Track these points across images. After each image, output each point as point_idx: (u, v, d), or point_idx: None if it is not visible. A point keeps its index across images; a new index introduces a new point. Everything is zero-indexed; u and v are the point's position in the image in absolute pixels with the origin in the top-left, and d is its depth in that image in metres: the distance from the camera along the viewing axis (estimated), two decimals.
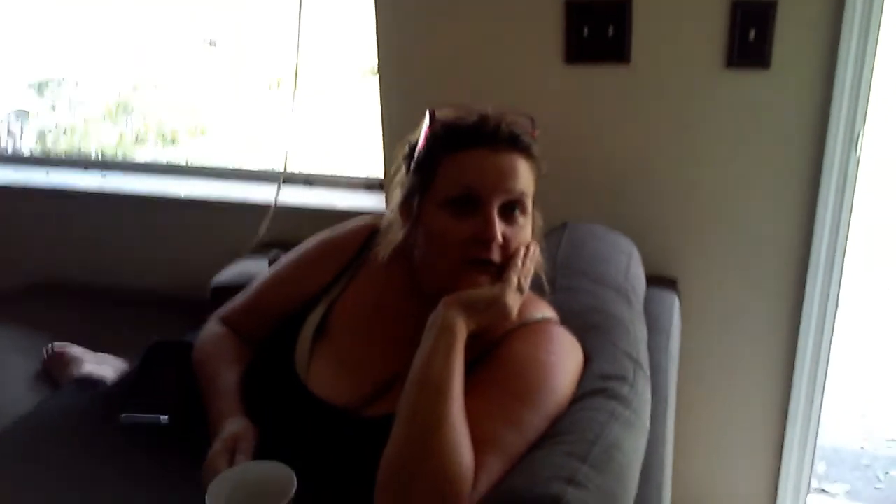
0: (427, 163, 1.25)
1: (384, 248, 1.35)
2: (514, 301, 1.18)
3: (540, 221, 1.33)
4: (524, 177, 1.22)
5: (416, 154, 1.27)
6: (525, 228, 1.23)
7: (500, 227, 1.19)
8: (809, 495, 2.11)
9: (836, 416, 2.71)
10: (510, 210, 1.21)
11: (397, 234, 1.32)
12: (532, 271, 1.25)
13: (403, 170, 1.32)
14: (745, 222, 1.87)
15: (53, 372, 1.91)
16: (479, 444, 1.07)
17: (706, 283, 1.94)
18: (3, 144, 5.42)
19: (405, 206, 1.29)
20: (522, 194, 1.21)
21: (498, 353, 1.21)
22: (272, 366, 1.32)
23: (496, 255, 1.19)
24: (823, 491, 2.40)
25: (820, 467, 2.46)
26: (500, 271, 1.20)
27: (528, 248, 1.23)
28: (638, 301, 1.55)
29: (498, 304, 1.17)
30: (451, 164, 1.22)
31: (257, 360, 1.36)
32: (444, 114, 1.26)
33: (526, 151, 1.23)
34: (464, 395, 1.10)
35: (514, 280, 1.19)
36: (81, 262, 2.52)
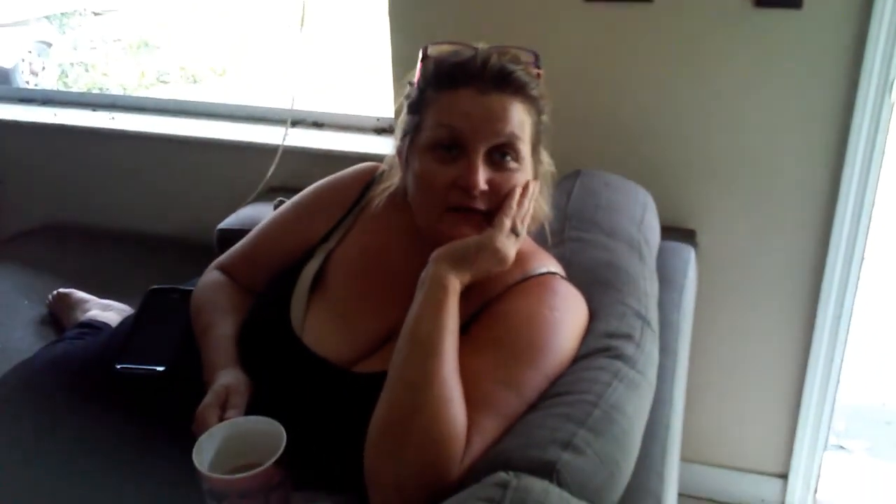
0: (418, 104, 1.20)
1: (379, 195, 1.30)
2: (506, 245, 1.13)
3: (549, 167, 1.27)
4: (516, 119, 1.14)
5: (410, 94, 1.22)
6: (518, 174, 1.16)
7: (485, 174, 1.13)
8: (828, 452, 2.08)
9: (858, 372, 2.65)
10: (500, 155, 1.15)
11: (394, 179, 1.28)
12: (530, 212, 1.19)
13: (405, 110, 1.26)
14: (770, 172, 1.80)
15: (59, 315, 1.91)
16: (474, 404, 1.04)
17: (725, 235, 1.88)
18: (26, 80, 5.43)
19: (400, 148, 1.25)
20: (513, 137, 1.14)
21: (498, 308, 1.16)
22: (268, 318, 1.29)
23: (480, 203, 1.14)
24: (842, 448, 2.36)
25: (840, 424, 2.41)
26: (490, 219, 1.14)
27: (525, 188, 1.17)
28: (651, 255, 1.49)
29: (487, 250, 1.12)
30: (437, 105, 1.16)
31: (253, 312, 1.33)
32: (438, 50, 1.20)
33: (520, 91, 1.15)
34: (461, 353, 1.07)
35: (506, 223, 1.13)
36: (87, 204, 2.52)
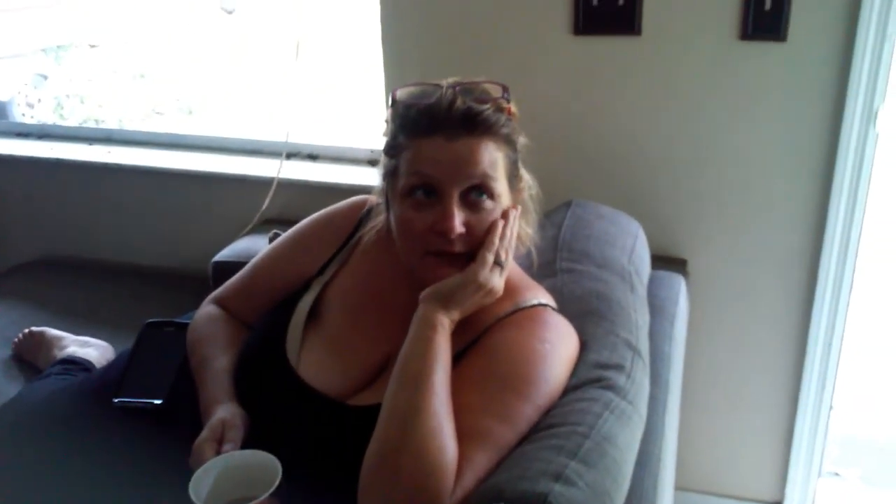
0: (392, 148, 1.21)
1: (368, 233, 1.32)
2: (490, 278, 1.15)
3: (532, 188, 1.28)
4: (486, 158, 1.14)
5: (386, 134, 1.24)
6: (495, 212, 1.17)
7: (461, 217, 1.14)
8: (822, 479, 2.08)
9: (851, 399, 2.65)
10: (476, 195, 1.15)
11: (382, 217, 1.30)
12: (514, 240, 1.21)
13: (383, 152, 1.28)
14: (758, 201, 1.82)
15: (27, 355, 1.88)
16: (466, 437, 1.05)
17: (716, 263, 1.89)
18: (22, 112, 5.45)
19: (382, 189, 1.27)
20: (485, 177, 1.14)
21: (489, 340, 1.17)
22: (263, 351, 1.30)
23: (458, 247, 1.15)
24: (837, 475, 2.36)
25: (834, 451, 2.41)
26: (470, 259, 1.16)
27: (506, 217, 1.19)
28: (642, 285, 1.51)
29: (472, 286, 1.14)
30: (409, 152, 1.17)
31: (249, 345, 1.34)
32: (406, 93, 1.20)
33: (488, 131, 1.15)
34: (453, 386, 1.08)
35: (489, 258, 1.15)
36: (83, 237, 2.52)
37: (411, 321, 1.13)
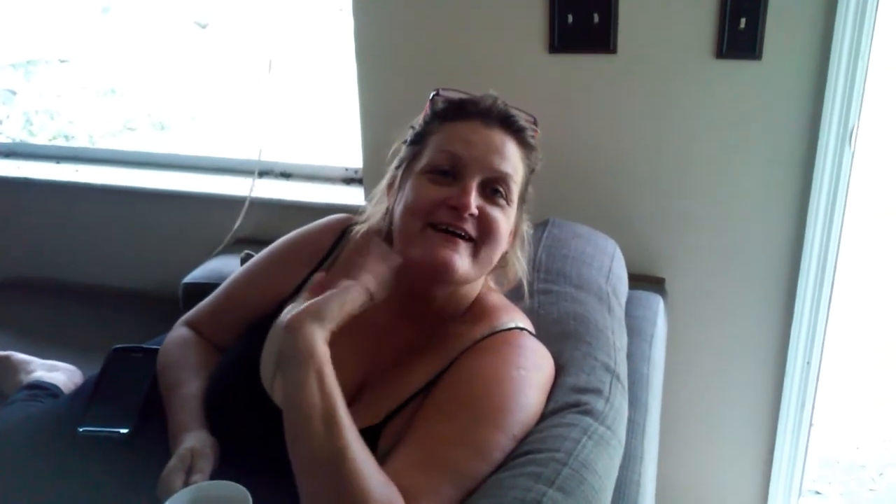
0: (420, 135, 1.25)
1: (360, 229, 1.31)
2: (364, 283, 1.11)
3: (529, 229, 1.31)
4: (512, 160, 1.20)
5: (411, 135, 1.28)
6: (505, 214, 1.19)
7: (476, 200, 1.15)
8: (803, 498, 2.07)
9: (831, 416, 2.66)
10: (492, 191, 1.18)
11: (375, 220, 1.30)
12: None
13: (403, 147, 1.30)
14: (735, 220, 1.82)
15: None
16: (437, 468, 1.03)
17: (694, 282, 1.89)
18: None
19: (392, 180, 1.28)
20: (507, 176, 1.19)
21: (464, 365, 1.15)
22: (236, 376, 1.26)
23: (469, 226, 1.15)
24: (817, 493, 2.36)
25: (815, 468, 2.41)
26: (473, 246, 1.16)
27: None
28: (619, 306, 1.49)
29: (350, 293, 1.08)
30: (441, 133, 1.22)
31: (221, 369, 1.30)
32: (448, 93, 1.27)
33: (518, 134, 1.22)
34: (427, 414, 1.07)
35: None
36: (50, 258, 2.47)
37: (281, 351, 1.05)
